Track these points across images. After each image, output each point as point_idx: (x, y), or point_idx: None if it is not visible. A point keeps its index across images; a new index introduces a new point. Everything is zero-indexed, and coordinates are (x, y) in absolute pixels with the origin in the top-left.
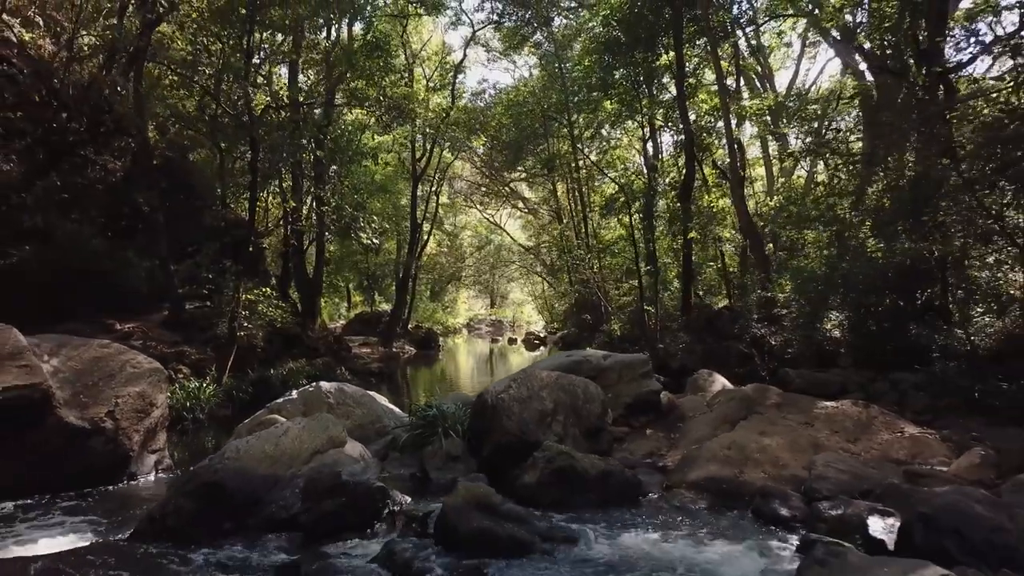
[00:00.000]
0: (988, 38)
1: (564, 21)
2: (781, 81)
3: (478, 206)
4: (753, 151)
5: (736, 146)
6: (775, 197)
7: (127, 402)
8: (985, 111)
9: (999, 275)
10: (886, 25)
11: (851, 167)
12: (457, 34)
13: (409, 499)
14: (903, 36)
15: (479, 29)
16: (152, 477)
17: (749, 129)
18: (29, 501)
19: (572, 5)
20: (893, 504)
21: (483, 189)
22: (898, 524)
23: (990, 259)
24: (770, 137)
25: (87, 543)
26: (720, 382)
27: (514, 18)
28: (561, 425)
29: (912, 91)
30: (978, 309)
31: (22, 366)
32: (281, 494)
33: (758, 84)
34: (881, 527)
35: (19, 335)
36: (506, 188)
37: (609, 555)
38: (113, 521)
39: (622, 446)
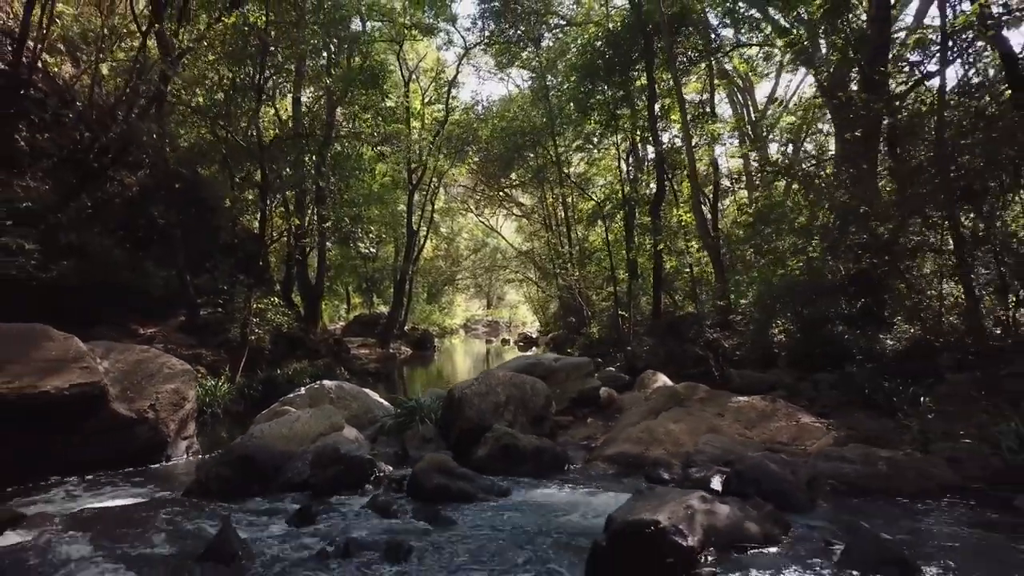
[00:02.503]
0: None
1: (552, 42)
2: (766, 90)
3: (474, 210)
4: (737, 160)
5: (712, 165)
6: (754, 205)
7: (165, 397)
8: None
9: (930, 285)
10: (835, 57)
11: (818, 183)
12: (451, 51)
13: (391, 468)
14: (848, 67)
15: (472, 48)
16: (184, 459)
17: (727, 142)
18: (91, 476)
19: (561, 23)
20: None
21: (477, 195)
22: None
23: (926, 269)
24: (751, 150)
25: (152, 499)
26: (662, 380)
27: (505, 36)
28: (511, 414)
29: (858, 117)
30: (898, 317)
31: (84, 367)
32: (295, 465)
33: (738, 97)
34: (719, 481)
35: (79, 342)
36: (501, 193)
37: (529, 501)
38: (163, 488)
39: (566, 432)
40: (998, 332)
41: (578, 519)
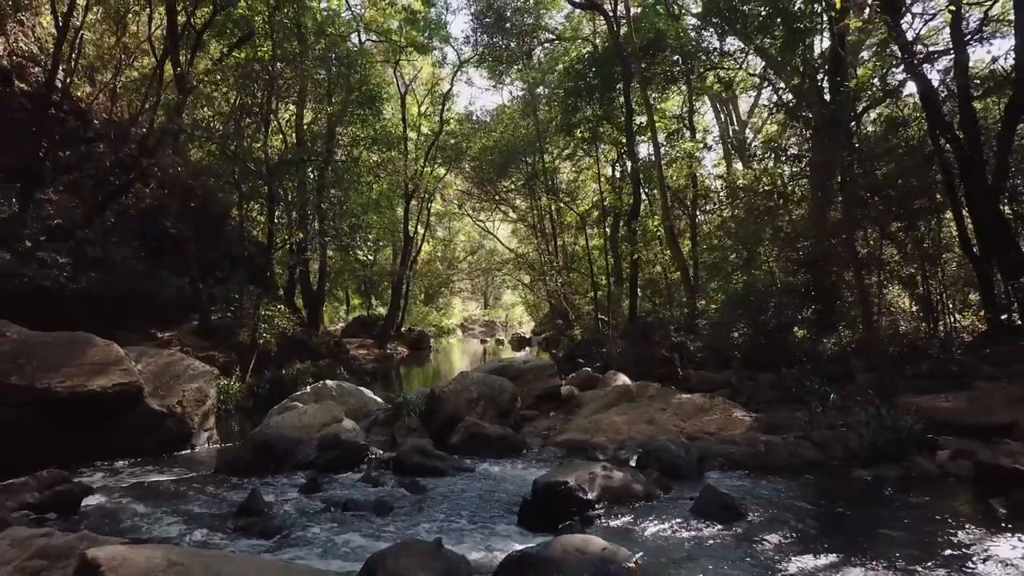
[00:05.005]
0: None
1: (542, 57)
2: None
3: (470, 213)
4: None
5: (690, 179)
6: (735, 211)
7: (190, 394)
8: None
9: (874, 296)
10: (795, 82)
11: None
12: (446, 67)
13: (382, 451)
14: (808, 90)
15: (466, 62)
16: (206, 447)
17: (711, 150)
18: (130, 461)
19: (552, 38)
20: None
21: (473, 198)
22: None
23: (870, 281)
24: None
25: (188, 476)
26: (621, 379)
27: (497, 50)
28: (482, 408)
29: (816, 138)
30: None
31: (123, 369)
32: (304, 449)
33: (721, 108)
34: (635, 459)
35: (118, 347)
36: (496, 197)
37: (488, 475)
38: (193, 469)
39: (530, 423)
40: (923, 338)
41: (521, 486)
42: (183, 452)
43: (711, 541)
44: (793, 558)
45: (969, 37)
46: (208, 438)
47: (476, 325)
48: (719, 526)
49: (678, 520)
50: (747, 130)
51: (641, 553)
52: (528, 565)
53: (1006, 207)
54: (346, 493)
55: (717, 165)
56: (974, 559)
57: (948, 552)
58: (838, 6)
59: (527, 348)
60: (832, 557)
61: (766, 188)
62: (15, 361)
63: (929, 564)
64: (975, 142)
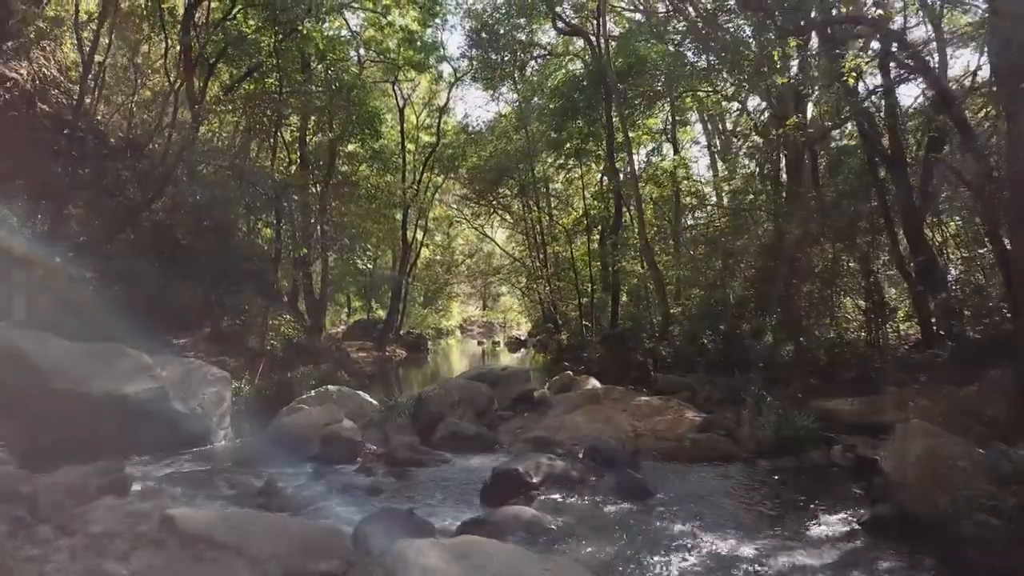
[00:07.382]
0: None
1: (535, 70)
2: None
3: (467, 218)
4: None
5: (674, 191)
6: (722, 219)
7: (209, 397)
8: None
9: (827, 306)
10: (764, 105)
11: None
12: (443, 81)
13: (375, 447)
14: (774, 117)
15: (462, 77)
16: (224, 444)
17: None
18: (159, 455)
19: (544, 53)
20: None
21: (471, 203)
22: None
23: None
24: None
25: (212, 468)
26: (592, 383)
27: (491, 63)
28: (462, 409)
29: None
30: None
31: (151, 376)
32: (309, 444)
33: (707, 119)
34: (583, 452)
35: (147, 356)
36: (493, 202)
37: (463, 466)
38: (215, 462)
39: (505, 423)
40: (861, 346)
41: (487, 474)
42: (204, 447)
43: (621, 512)
44: (680, 524)
45: (895, 80)
46: (225, 435)
47: (475, 326)
48: (631, 502)
49: (600, 498)
50: (733, 138)
51: (565, 519)
52: (477, 526)
53: (936, 230)
54: (345, 480)
55: (709, 170)
56: (814, 523)
57: (796, 517)
58: (777, 56)
59: (523, 350)
60: (708, 522)
61: (745, 205)
62: (60, 368)
63: (778, 527)
64: (902, 172)
